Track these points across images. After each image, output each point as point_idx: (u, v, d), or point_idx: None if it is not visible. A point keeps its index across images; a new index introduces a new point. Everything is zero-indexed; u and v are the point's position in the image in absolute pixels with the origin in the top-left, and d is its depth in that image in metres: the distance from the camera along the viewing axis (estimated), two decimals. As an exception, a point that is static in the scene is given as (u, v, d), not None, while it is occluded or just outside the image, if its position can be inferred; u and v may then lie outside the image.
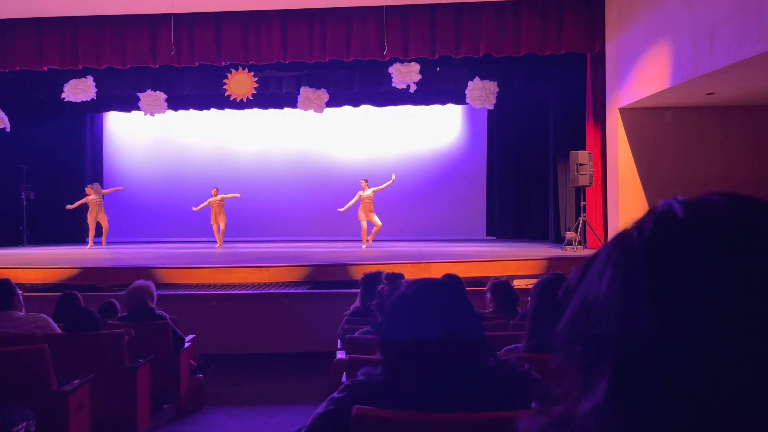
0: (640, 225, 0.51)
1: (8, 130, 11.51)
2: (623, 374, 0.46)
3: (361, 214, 10.77)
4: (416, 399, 1.32)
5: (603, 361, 0.48)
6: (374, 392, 1.36)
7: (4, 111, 11.36)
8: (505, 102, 12.19)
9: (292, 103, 11.85)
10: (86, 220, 11.45)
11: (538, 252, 9.04)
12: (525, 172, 13.24)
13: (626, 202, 8.82)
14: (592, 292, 0.50)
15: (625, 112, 8.95)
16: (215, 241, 11.99)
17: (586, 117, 9.95)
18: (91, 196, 11.38)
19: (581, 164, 9.16)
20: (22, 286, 5.31)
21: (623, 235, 0.51)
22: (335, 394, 1.42)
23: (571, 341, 0.52)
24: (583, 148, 9.64)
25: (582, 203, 9.43)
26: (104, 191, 11.76)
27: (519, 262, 7.94)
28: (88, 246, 11.30)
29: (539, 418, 0.52)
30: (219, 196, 11.39)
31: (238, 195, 11.59)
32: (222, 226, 11.33)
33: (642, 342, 0.46)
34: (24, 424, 3.05)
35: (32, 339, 3.43)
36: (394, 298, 1.43)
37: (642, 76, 8.24)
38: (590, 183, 9.23)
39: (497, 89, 10.83)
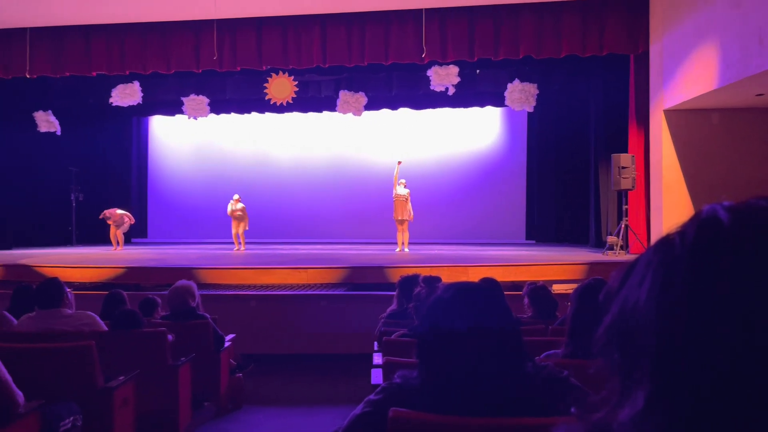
0: (682, 231, 0.50)
1: (59, 133, 11.95)
2: (663, 382, 0.46)
3: (400, 215, 10.49)
4: (452, 403, 1.31)
5: (642, 369, 0.47)
6: (410, 395, 1.37)
7: (55, 116, 11.79)
8: (545, 104, 12.04)
9: (331, 107, 11.95)
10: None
11: (579, 256, 8.89)
12: (565, 175, 13.04)
13: (670, 206, 8.60)
14: (632, 298, 0.50)
15: (670, 113, 8.72)
16: (257, 243, 12.17)
17: (628, 119, 9.74)
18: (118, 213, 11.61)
19: (623, 167, 8.97)
20: (71, 284, 5.49)
21: (665, 241, 0.50)
22: (372, 396, 1.43)
23: (609, 347, 0.51)
24: (626, 151, 9.45)
25: (624, 207, 9.24)
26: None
27: (558, 266, 7.82)
28: (119, 248, 11.51)
29: (576, 425, 0.52)
30: (242, 205, 11.25)
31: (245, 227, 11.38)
32: (241, 231, 11.22)
33: (682, 350, 0.45)
34: (71, 418, 3.16)
35: (80, 336, 3.54)
36: (430, 301, 1.43)
37: (688, 77, 8.03)
38: (633, 186, 9.03)
39: (537, 91, 10.70)
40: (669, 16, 8.61)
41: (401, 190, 10.43)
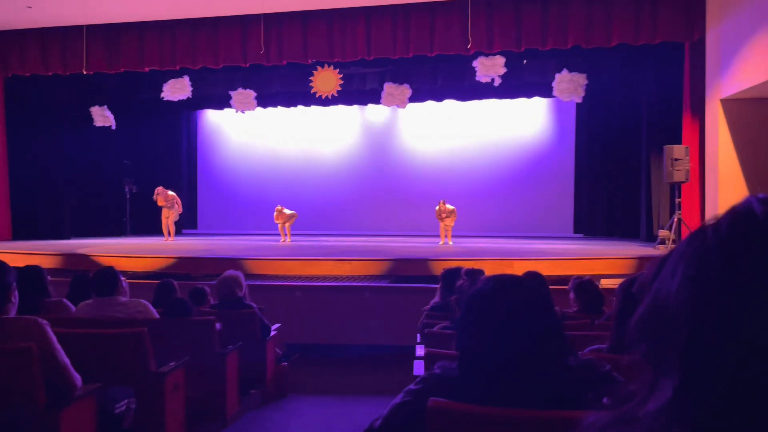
0: (716, 223, 0.49)
1: (114, 128, 12.38)
2: (692, 372, 0.45)
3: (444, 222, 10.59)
4: (491, 394, 1.31)
5: (671, 359, 0.47)
6: (449, 386, 1.37)
7: (110, 111, 12.22)
8: (595, 95, 11.76)
9: (376, 99, 11.98)
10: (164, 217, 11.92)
11: (628, 251, 8.67)
12: (615, 168, 12.72)
13: (727, 199, 8.28)
14: (664, 289, 0.50)
15: (727, 103, 8.39)
16: (303, 234, 12.34)
17: (682, 109, 9.42)
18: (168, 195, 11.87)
19: (677, 159, 8.69)
20: (125, 273, 5.69)
21: (698, 233, 0.50)
22: (411, 386, 1.45)
23: (641, 339, 0.51)
24: (679, 142, 9.15)
25: (677, 200, 8.95)
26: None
27: (607, 260, 7.65)
28: (171, 239, 11.76)
29: (606, 414, 0.52)
30: (288, 212, 11.42)
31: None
32: (288, 224, 11.43)
33: (712, 340, 0.44)
34: (126, 401, 3.29)
35: (133, 323, 3.68)
36: (470, 293, 1.43)
37: (747, 65, 7.70)
38: (686, 179, 8.74)
39: (586, 81, 10.46)
40: (727, 1, 8.27)
41: (447, 207, 10.44)
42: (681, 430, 0.44)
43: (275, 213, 11.45)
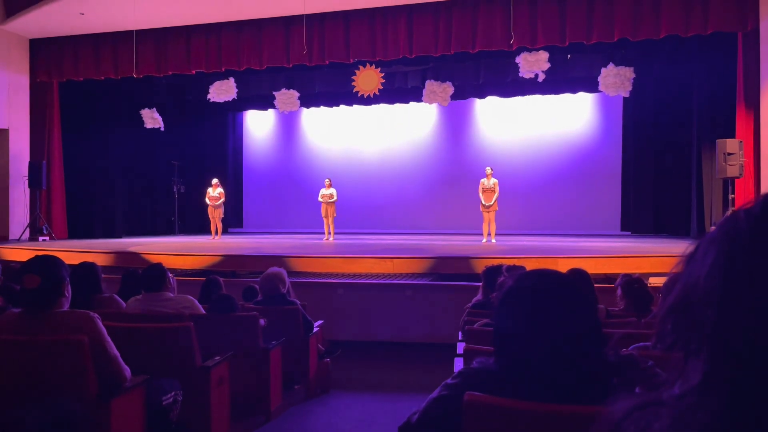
0: (749, 207, 0.48)
1: (163, 129, 12.73)
2: (721, 356, 0.44)
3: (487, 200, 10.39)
4: (528, 389, 1.30)
5: (701, 343, 0.46)
6: (487, 380, 1.37)
7: (159, 113, 12.57)
8: (642, 88, 11.46)
9: (418, 97, 11.97)
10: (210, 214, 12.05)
11: (678, 248, 8.39)
12: (664, 163, 12.35)
13: (784, 195, 7.94)
14: (695, 273, 0.49)
15: (783, 95, 8.05)
16: (345, 233, 12.40)
17: (736, 102, 9.08)
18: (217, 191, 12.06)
19: (730, 153, 8.38)
20: (173, 270, 5.84)
21: (730, 217, 0.49)
22: (449, 380, 1.44)
23: (672, 323, 0.50)
24: (732, 136, 8.82)
25: (731, 196, 8.64)
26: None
27: (655, 258, 7.44)
28: (217, 237, 11.90)
29: (631, 399, 0.51)
30: (332, 190, 11.54)
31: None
32: (331, 220, 11.49)
33: (742, 322, 0.43)
34: (173, 393, 3.38)
35: (180, 318, 3.78)
36: (506, 287, 1.41)
37: (805, 54, 7.37)
38: (740, 174, 8.43)
39: (633, 75, 10.19)
40: (783, -12, 7.94)
41: (490, 180, 10.30)
42: (707, 413, 0.43)
43: (325, 186, 11.58)
